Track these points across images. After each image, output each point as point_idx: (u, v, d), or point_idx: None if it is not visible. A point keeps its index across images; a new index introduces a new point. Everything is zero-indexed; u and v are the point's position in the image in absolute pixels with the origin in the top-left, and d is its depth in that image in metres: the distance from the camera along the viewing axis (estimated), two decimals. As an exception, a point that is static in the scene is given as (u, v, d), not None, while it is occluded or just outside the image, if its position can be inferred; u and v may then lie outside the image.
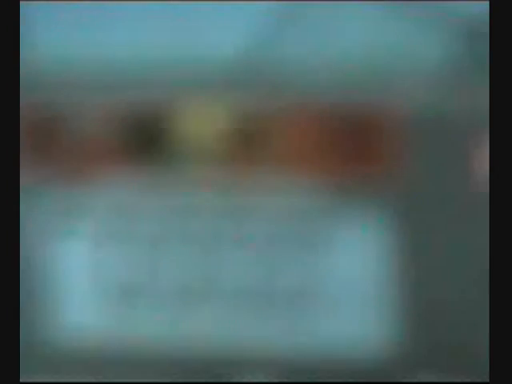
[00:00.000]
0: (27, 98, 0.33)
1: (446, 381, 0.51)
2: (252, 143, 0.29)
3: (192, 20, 0.37)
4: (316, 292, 0.34)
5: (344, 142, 0.29)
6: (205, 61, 0.31)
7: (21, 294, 0.43)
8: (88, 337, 0.33)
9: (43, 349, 0.33)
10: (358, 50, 0.34)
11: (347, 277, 0.35)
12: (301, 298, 0.36)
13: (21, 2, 0.39)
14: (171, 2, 0.36)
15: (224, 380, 0.48)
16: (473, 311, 0.37)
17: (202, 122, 0.29)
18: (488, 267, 0.45)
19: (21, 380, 0.49)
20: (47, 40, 0.36)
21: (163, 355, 0.36)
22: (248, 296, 0.43)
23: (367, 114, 0.29)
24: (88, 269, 0.30)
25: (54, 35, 0.37)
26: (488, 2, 0.52)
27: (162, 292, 0.33)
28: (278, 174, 0.30)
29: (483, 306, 0.40)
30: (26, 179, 0.32)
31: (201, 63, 0.30)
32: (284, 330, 0.43)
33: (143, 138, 0.29)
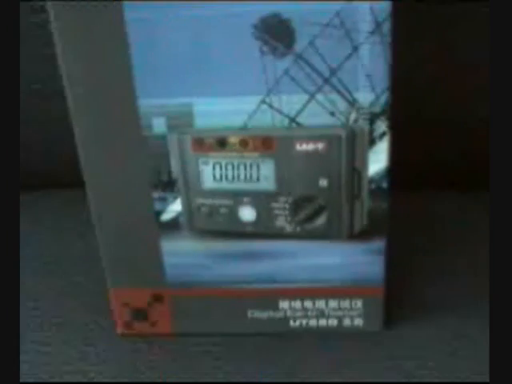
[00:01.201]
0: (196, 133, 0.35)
1: (446, 381, 0.40)
2: (245, 144, 0.35)
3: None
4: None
5: (261, 145, 0.34)
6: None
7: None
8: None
9: (199, 187, 0.34)
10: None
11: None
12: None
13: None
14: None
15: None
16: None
17: (236, 138, 0.34)
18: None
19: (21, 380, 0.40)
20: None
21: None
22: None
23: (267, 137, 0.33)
24: (210, 174, 0.34)
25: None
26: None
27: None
28: (248, 152, 0.35)
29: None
30: (195, 153, 0.35)
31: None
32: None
33: (223, 143, 0.33)
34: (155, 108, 0.40)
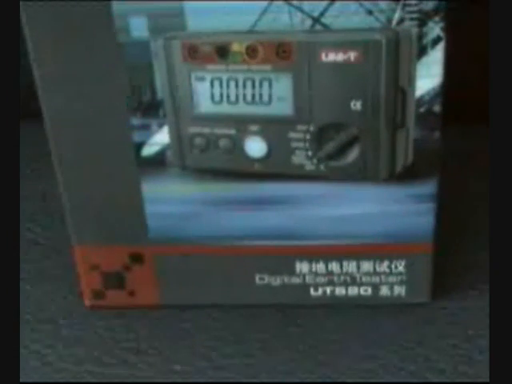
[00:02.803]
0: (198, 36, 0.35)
1: (447, 381, 0.41)
2: (253, 53, 0.34)
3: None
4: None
5: (274, 54, 0.34)
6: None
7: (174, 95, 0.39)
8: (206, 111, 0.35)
9: (192, 111, 0.34)
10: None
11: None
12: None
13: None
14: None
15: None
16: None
17: (242, 45, 0.34)
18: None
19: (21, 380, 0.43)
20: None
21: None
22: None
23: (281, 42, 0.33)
24: (207, 93, 0.33)
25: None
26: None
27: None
28: (257, 64, 0.34)
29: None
30: (187, 65, 0.35)
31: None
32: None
33: (225, 51, 0.33)
34: (133, 4, 0.38)
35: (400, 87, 0.39)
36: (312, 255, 0.45)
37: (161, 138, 0.42)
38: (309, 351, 0.44)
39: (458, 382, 0.41)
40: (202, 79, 0.41)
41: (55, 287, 0.49)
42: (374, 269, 0.45)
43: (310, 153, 0.41)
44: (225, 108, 0.41)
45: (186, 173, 0.43)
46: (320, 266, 0.45)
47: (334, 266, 0.45)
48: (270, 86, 0.40)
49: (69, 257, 0.47)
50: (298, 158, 0.42)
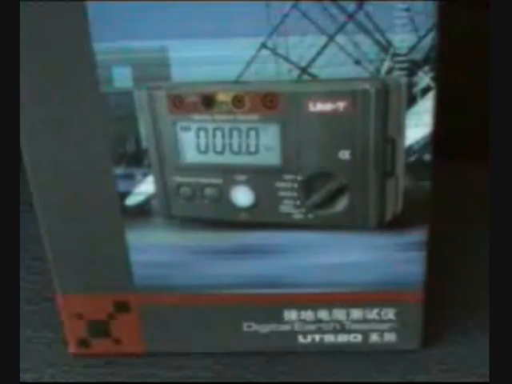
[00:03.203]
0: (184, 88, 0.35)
1: (447, 381, 0.43)
2: (239, 103, 0.34)
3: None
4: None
5: (260, 104, 0.33)
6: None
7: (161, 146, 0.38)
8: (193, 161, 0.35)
9: (177, 161, 0.34)
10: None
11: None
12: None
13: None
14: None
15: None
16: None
17: (228, 95, 0.34)
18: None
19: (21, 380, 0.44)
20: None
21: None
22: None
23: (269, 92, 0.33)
24: (192, 143, 0.33)
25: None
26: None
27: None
28: (243, 113, 0.34)
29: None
30: (172, 116, 0.35)
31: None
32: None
33: (210, 101, 0.33)
34: (116, 54, 0.38)
35: (389, 136, 0.39)
36: (300, 303, 0.44)
37: (146, 187, 0.42)
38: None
39: (458, 381, 0.42)
40: (187, 129, 0.40)
41: (39, 334, 0.48)
42: (364, 316, 0.45)
43: (298, 202, 0.41)
44: (211, 158, 0.41)
45: (171, 222, 0.42)
46: (309, 314, 0.45)
47: (322, 314, 0.45)
48: (257, 135, 0.40)
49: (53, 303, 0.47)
50: (286, 207, 0.41)
